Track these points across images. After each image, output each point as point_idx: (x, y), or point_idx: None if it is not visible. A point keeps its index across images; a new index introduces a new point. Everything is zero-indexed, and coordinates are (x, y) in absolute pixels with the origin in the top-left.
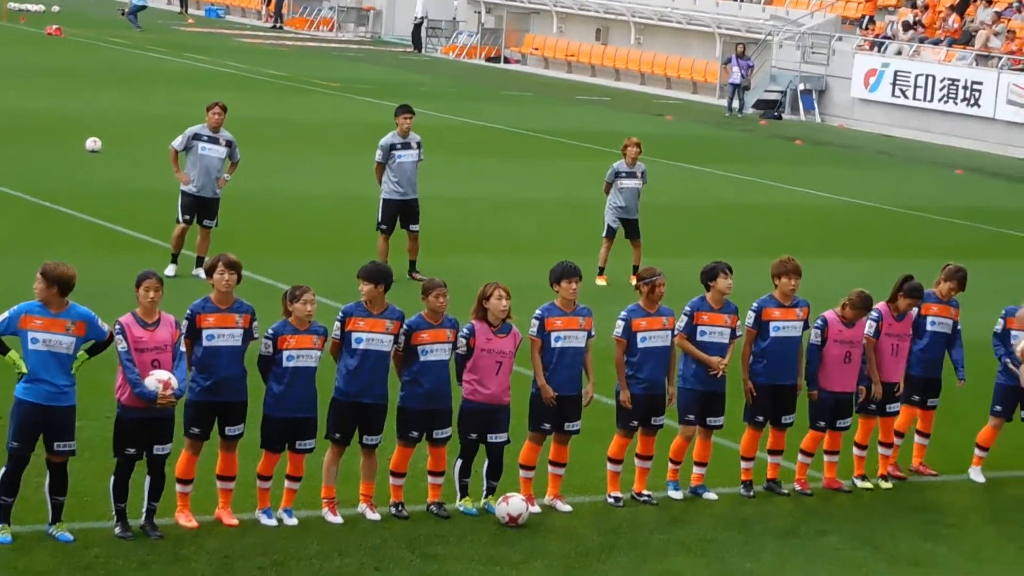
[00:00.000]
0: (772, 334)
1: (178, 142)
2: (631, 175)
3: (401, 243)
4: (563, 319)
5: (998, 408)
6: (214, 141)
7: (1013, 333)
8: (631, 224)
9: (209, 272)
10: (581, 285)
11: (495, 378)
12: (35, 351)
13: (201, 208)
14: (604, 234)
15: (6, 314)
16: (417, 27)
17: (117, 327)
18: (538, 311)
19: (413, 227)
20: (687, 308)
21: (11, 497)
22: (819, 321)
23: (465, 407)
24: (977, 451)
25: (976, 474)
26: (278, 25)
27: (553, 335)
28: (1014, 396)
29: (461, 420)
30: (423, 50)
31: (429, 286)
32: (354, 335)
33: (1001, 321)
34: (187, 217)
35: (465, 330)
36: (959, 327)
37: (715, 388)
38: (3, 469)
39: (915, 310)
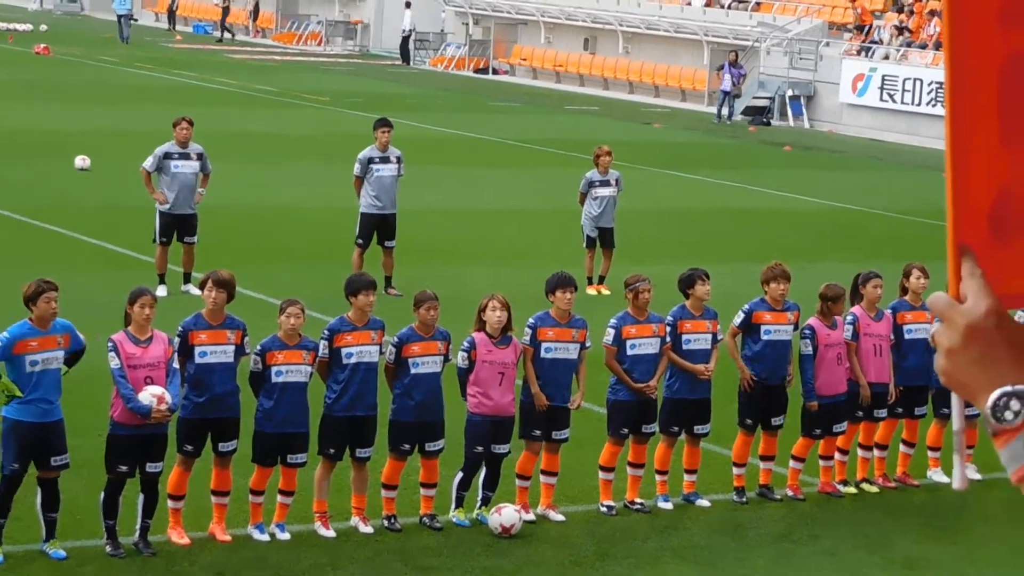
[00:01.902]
0: (764, 337)
1: (149, 163)
2: (605, 183)
3: (376, 258)
4: (556, 330)
5: (946, 411)
6: (185, 157)
7: None
8: (607, 233)
9: (202, 287)
10: (576, 295)
11: (498, 389)
12: (32, 372)
13: (180, 226)
14: (584, 244)
15: None
16: (405, 40)
17: (110, 344)
18: (531, 320)
19: (388, 243)
20: (668, 318)
21: (3, 518)
22: (806, 331)
23: (471, 420)
24: (930, 453)
25: (938, 475)
26: (229, 37)
27: (544, 345)
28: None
29: (468, 433)
30: (411, 62)
31: (420, 298)
32: (344, 351)
33: None
34: (164, 239)
35: (466, 343)
36: None
37: (701, 395)
38: None
39: (890, 313)
